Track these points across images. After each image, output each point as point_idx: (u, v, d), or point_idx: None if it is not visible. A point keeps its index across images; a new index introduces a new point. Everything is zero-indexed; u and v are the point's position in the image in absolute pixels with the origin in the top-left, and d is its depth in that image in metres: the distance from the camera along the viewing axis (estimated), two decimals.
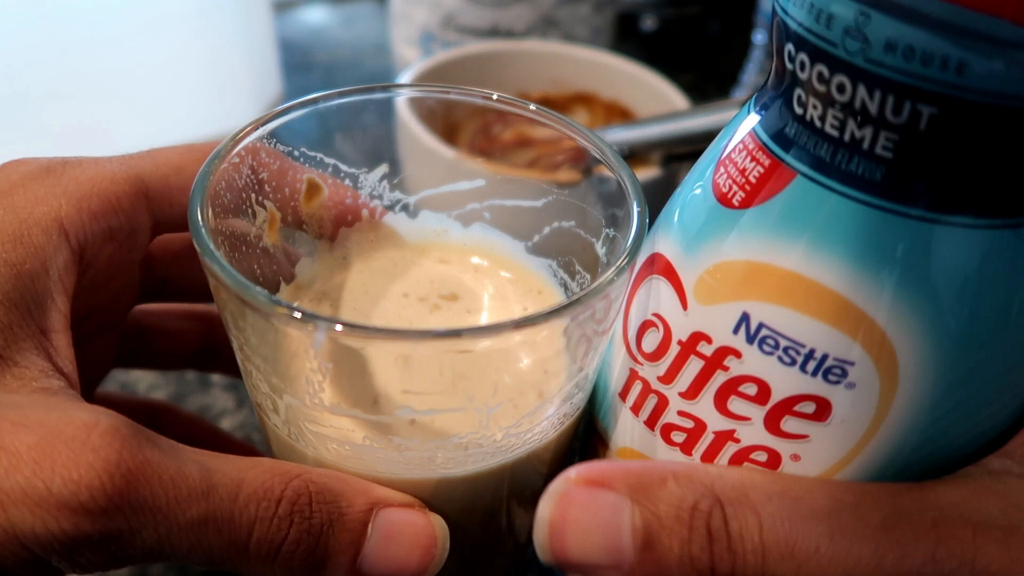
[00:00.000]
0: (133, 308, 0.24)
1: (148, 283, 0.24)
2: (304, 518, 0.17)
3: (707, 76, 0.71)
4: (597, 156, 0.21)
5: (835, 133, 0.14)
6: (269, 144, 0.21)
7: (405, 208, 0.25)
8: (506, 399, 0.19)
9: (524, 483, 0.21)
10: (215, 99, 0.45)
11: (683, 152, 0.34)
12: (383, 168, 0.24)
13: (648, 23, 0.78)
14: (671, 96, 0.42)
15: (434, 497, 0.19)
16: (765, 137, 0.16)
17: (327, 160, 0.23)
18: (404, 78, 0.40)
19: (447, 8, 0.49)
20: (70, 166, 0.19)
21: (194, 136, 0.44)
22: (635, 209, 0.19)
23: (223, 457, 0.17)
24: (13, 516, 0.14)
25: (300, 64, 0.66)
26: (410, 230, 0.25)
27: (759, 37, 0.52)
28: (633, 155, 0.34)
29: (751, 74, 0.53)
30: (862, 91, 0.13)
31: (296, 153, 0.22)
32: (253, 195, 0.21)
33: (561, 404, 0.19)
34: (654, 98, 0.43)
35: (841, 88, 0.14)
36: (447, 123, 0.35)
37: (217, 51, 0.43)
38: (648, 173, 0.35)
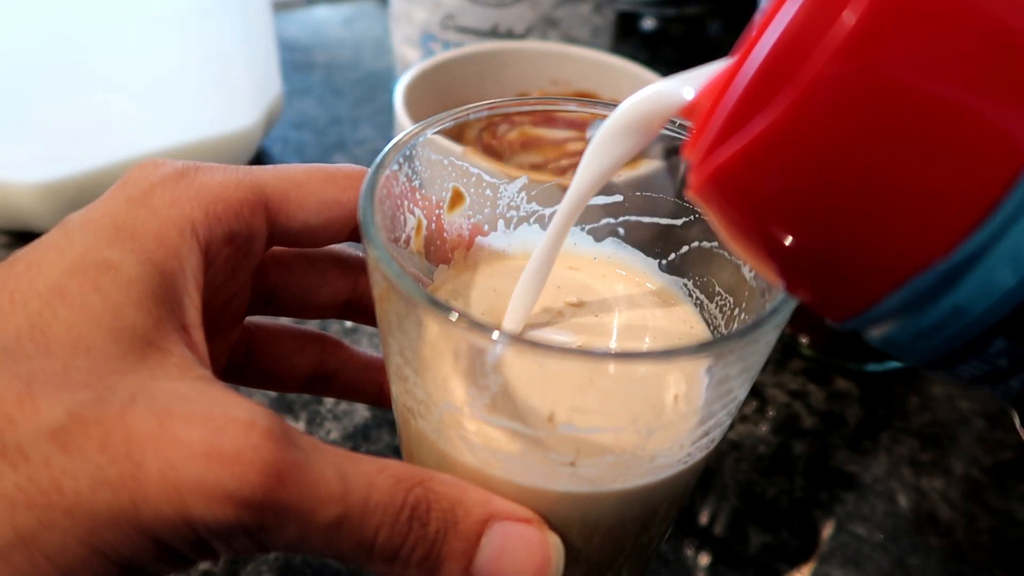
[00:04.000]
0: (244, 320, 0.25)
1: (257, 292, 0.24)
2: (422, 524, 0.18)
3: None
4: None
5: None
6: (423, 152, 0.22)
7: (540, 220, 0.26)
8: (667, 422, 0.19)
9: (663, 502, 0.21)
10: (215, 99, 0.45)
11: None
12: (522, 179, 0.25)
13: (648, 23, 0.78)
14: None
15: (571, 510, 0.19)
16: None
17: (472, 170, 0.24)
18: (404, 78, 0.40)
19: (447, 8, 0.49)
20: (201, 171, 0.21)
21: (194, 136, 0.44)
22: None
23: (355, 458, 0.18)
24: (189, 503, 0.16)
25: (300, 64, 0.66)
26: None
27: None
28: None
29: None
30: None
31: (445, 162, 0.23)
32: (406, 202, 0.22)
33: (712, 428, 0.20)
34: None
35: None
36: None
37: (217, 51, 0.43)
38: (651, 165, 0.35)
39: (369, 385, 0.28)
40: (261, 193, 0.21)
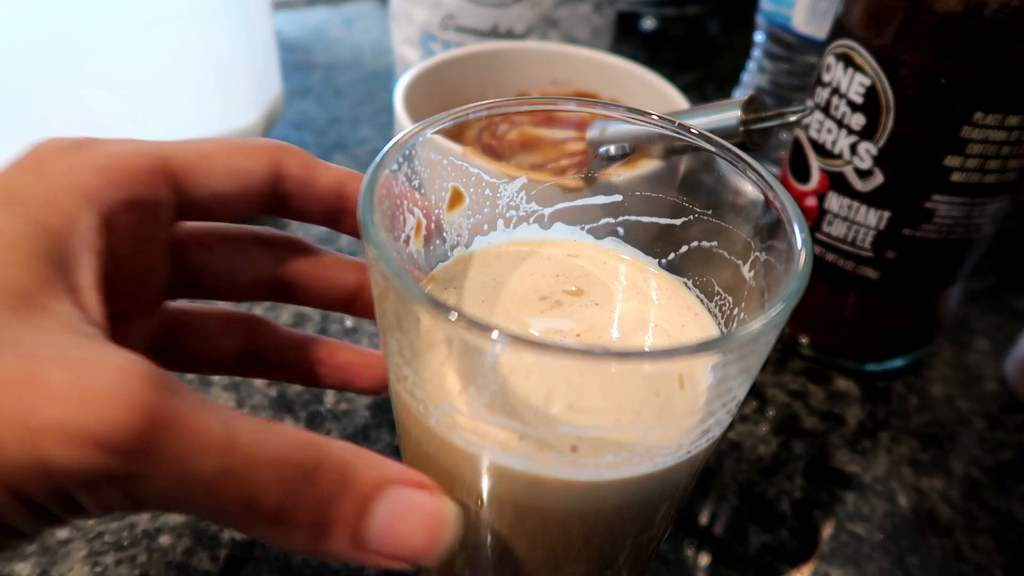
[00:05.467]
0: (167, 304, 0.24)
1: (180, 274, 0.24)
2: (313, 485, 0.17)
3: (707, 76, 0.71)
4: (756, 182, 0.21)
5: None
6: (422, 152, 0.22)
7: (539, 220, 0.26)
8: (667, 420, 0.19)
9: (663, 497, 0.21)
10: (215, 99, 0.45)
11: (682, 146, 0.34)
12: (522, 179, 0.25)
13: (648, 23, 0.78)
14: (671, 96, 0.42)
15: (570, 503, 0.19)
16: None
17: (471, 170, 0.24)
18: (404, 78, 0.40)
19: (447, 8, 0.49)
20: (99, 142, 0.21)
21: (194, 136, 0.44)
22: (799, 235, 0.19)
23: (245, 417, 0.17)
24: (44, 447, 0.15)
25: (300, 64, 0.66)
26: (543, 242, 0.26)
27: (759, 37, 0.52)
28: (634, 150, 0.35)
29: (751, 74, 0.53)
30: None
31: (445, 162, 0.23)
32: (406, 202, 0.22)
33: (712, 427, 0.20)
34: (654, 98, 0.43)
35: None
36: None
37: (217, 51, 0.43)
38: (650, 165, 0.35)
39: (299, 364, 0.28)
40: (164, 161, 0.21)
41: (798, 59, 0.49)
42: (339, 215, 0.25)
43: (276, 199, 0.24)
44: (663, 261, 0.25)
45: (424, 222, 0.23)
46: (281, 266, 0.26)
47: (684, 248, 0.25)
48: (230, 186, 0.22)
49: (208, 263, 0.25)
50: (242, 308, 0.38)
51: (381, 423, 0.35)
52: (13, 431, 0.15)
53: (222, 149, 0.22)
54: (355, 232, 0.25)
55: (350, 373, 0.28)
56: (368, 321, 0.41)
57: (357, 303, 0.27)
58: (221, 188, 0.22)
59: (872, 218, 0.36)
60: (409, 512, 0.18)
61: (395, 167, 0.21)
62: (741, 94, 0.54)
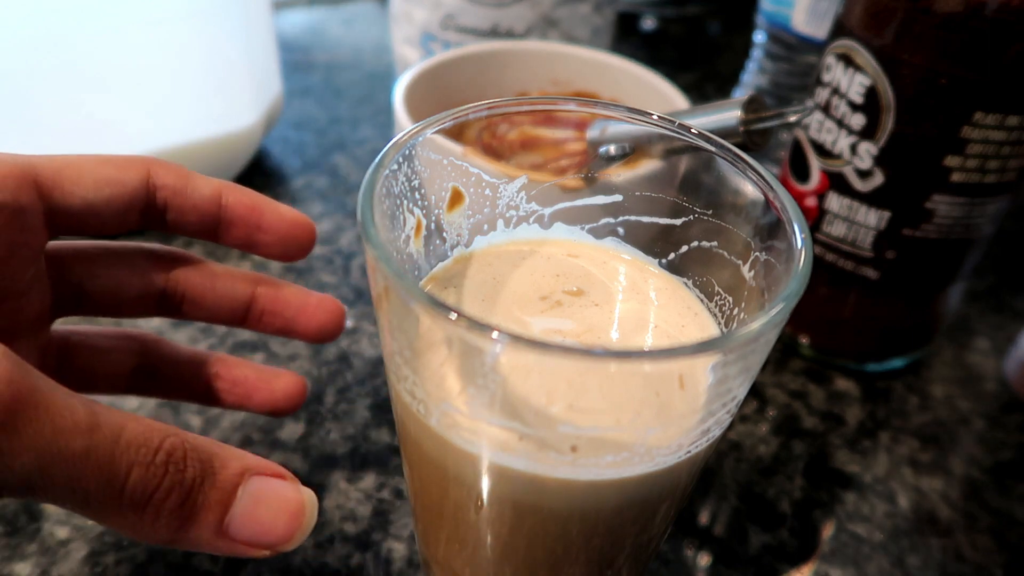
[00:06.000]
0: (56, 325, 0.24)
1: (65, 291, 0.24)
2: (179, 470, 0.17)
3: (707, 76, 0.71)
4: (756, 182, 0.21)
5: None
6: (422, 152, 0.22)
7: (539, 220, 0.26)
8: (667, 420, 0.19)
9: (663, 497, 0.21)
10: (215, 99, 0.45)
11: (682, 146, 0.34)
12: (522, 179, 0.25)
13: (648, 23, 0.78)
14: (671, 96, 0.42)
15: (571, 502, 0.19)
16: None
17: (471, 170, 0.24)
18: (404, 78, 0.40)
19: (447, 8, 0.49)
20: None
21: (194, 136, 0.44)
22: (799, 235, 0.19)
23: (106, 406, 0.17)
24: None
25: (300, 64, 0.66)
26: (543, 242, 0.26)
27: (759, 37, 0.52)
28: (635, 150, 0.35)
29: (751, 74, 0.53)
30: None
31: (445, 162, 0.23)
32: (405, 202, 0.22)
33: (712, 427, 0.20)
34: (654, 98, 0.43)
35: None
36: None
37: (217, 51, 0.43)
38: (650, 165, 0.35)
39: (196, 381, 0.28)
40: (29, 168, 0.21)
41: (798, 59, 0.49)
42: (219, 226, 0.25)
43: (152, 211, 0.24)
44: (663, 261, 0.25)
45: (424, 222, 0.23)
46: (170, 279, 0.26)
47: (684, 248, 0.25)
48: (101, 195, 0.22)
49: (92, 277, 0.25)
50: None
51: (381, 423, 0.35)
52: None
53: (91, 160, 0.22)
54: (239, 244, 0.25)
55: (247, 388, 0.28)
56: (369, 321, 0.41)
57: (251, 315, 0.27)
58: (91, 196, 0.22)
59: (872, 218, 0.36)
60: (271, 499, 0.18)
61: (395, 167, 0.21)
62: (741, 94, 0.54)
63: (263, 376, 0.28)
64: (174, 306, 0.26)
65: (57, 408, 0.16)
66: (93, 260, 0.25)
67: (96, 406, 0.17)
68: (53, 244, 0.23)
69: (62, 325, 0.26)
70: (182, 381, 0.28)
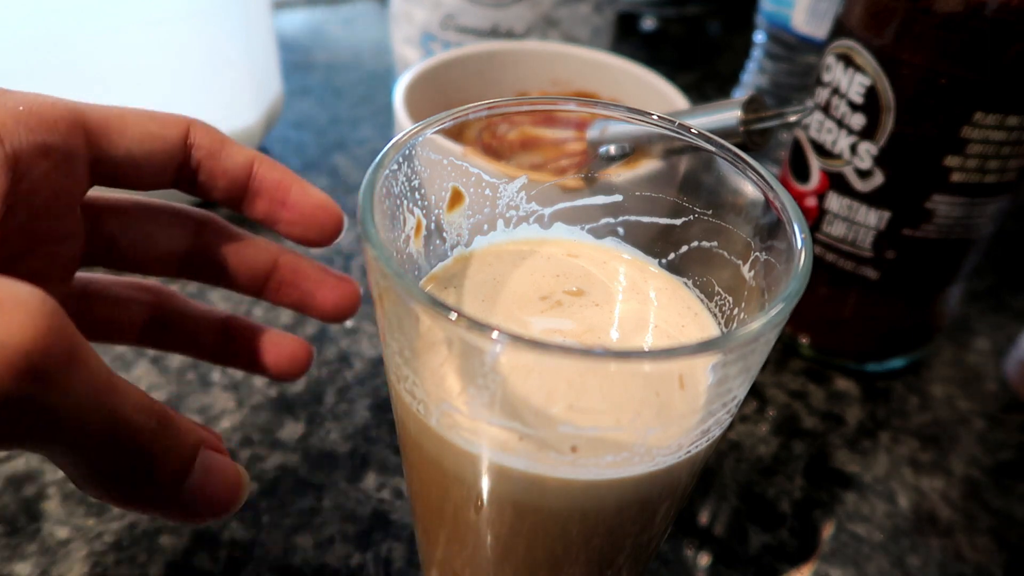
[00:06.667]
0: (78, 273, 0.24)
1: (94, 242, 0.24)
2: (162, 437, 0.18)
3: (707, 76, 0.71)
4: (756, 182, 0.21)
5: None
6: (422, 152, 0.22)
7: (539, 220, 0.26)
8: (667, 420, 0.19)
9: (663, 497, 0.21)
10: (215, 99, 0.45)
11: (682, 146, 0.34)
12: (522, 179, 0.25)
13: (648, 23, 0.78)
14: (671, 96, 0.42)
15: (571, 502, 0.19)
16: None
17: (471, 170, 0.24)
18: (404, 78, 0.40)
19: (447, 8, 0.49)
20: (12, 92, 0.21)
21: None
22: (799, 235, 0.19)
23: (108, 367, 0.18)
24: None
25: (300, 64, 0.66)
26: (543, 241, 0.26)
27: (759, 37, 0.52)
28: (634, 151, 0.35)
29: (751, 74, 0.53)
30: None
31: (445, 162, 0.23)
32: (405, 202, 0.22)
33: (712, 427, 0.20)
34: (654, 98, 0.43)
35: None
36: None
37: (217, 51, 0.43)
38: (650, 165, 0.36)
39: (206, 337, 0.28)
40: (79, 115, 0.21)
41: (798, 59, 0.49)
42: (246, 196, 0.25)
43: (185, 171, 0.24)
44: (663, 261, 0.25)
45: (424, 222, 0.23)
46: (195, 240, 0.26)
47: (684, 248, 0.25)
48: (144, 148, 0.22)
49: (123, 231, 0.25)
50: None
51: (381, 423, 0.35)
52: None
53: (136, 113, 0.22)
54: (262, 218, 0.25)
55: (254, 348, 0.28)
56: (369, 321, 0.41)
57: (269, 286, 0.27)
58: (135, 149, 0.22)
59: (872, 218, 0.36)
60: (217, 472, 0.20)
61: (395, 167, 0.21)
62: (741, 94, 0.54)
63: (271, 339, 0.28)
64: (196, 268, 0.26)
65: (91, 365, 0.16)
66: (126, 214, 0.25)
67: (105, 364, 0.18)
68: (90, 194, 0.23)
69: (81, 272, 0.26)
70: (192, 336, 0.28)
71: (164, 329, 0.27)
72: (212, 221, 0.26)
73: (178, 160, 0.23)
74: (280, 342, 0.28)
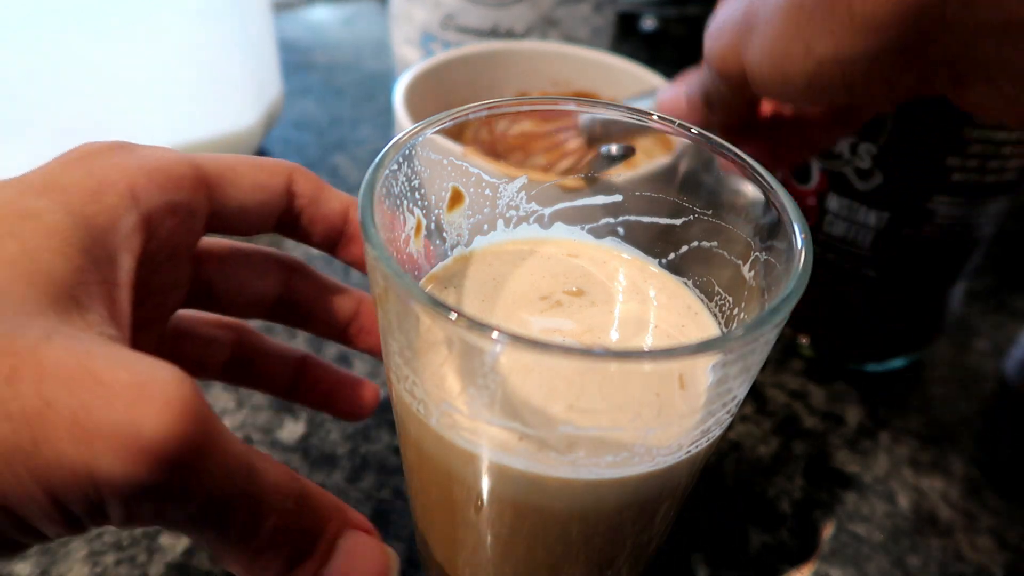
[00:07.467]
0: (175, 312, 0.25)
1: (195, 287, 0.25)
2: (302, 518, 0.18)
3: None
4: (757, 178, 0.21)
5: None
6: (422, 152, 0.22)
7: (539, 220, 0.26)
8: (667, 421, 0.19)
9: (663, 497, 0.21)
10: (215, 99, 0.45)
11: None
12: (522, 179, 0.25)
13: (648, 23, 0.78)
14: None
15: (571, 502, 0.20)
16: None
17: (471, 170, 0.24)
18: (404, 78, 0.40)
19: (447, 8, 0.49)
20: (140, 146, 0.21)
21: (194, 136, 0.44)
22: (799, 235, 0.19)
23: (247, 445, 0.17)
24: (98, 451, 0.14)
25: (300, 64, 0.66)
26: (543, 241, 0.26)
27: None
28: (635, 151, 0.34)
29: None
30: None
31: (444, 161, 0.23)
32: (405, 202, 0.22)
33: (712, 427, 0.20)
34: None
35: None
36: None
37: (217, 51, 0.43)
38: (651, 165, 0.35)
39: (281, 376, 0.28)
40: (200, 170, 0.21)
41: None
42: (341, 240, 0.25)
43: (287, 217, 0.24)
44: (663, 261, 0.25)
45: (424, 222, 0.23)
46: (286, 286, 0.26)
47: (684, 248, 0.25)
48: (254, 199, 0.23)
49: (221, 276, 0.25)
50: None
51: (381, 423, 0.35)
52: (66, 428, 0.14)
53: (246, 164, 0.23)
54: (354, 261, 0.26)
55: (327, 390, 0.28)
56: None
57: (350, 331, 0.27)
58: (247, 200, 0.23)
59: (872, 218, 0.36)
60: (364, 554, 0.19)
61: (395, 167, 0.21)
62: None
63: (343, 380, 0.29)
64: (283, 312, 0.27)
65: (227, 448, 0.16)
66: (224, 259, 0.25)
67: (244, 443, 0.17)
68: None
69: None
70: (268, 375, 0.28)
71: (244, 367, 0.28)
72: (301, 267, 0.27)
73: (282, 207, 0.24)
74: (352, 386, 0.29)
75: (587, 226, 0.26)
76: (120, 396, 0.14)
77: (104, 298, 0.18)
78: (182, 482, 0.15)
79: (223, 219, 0.23)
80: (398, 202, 0.22)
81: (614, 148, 0.28)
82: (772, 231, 0.21)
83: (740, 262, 0.23)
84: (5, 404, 0.14)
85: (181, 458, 0.15)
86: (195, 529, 0.16)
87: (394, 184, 0.21)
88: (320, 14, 0.75)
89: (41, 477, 0.14)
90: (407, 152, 0.21)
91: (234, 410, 0.35)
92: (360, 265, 0.26)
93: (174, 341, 0.26)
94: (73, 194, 0.18)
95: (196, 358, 0.26)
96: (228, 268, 0.25)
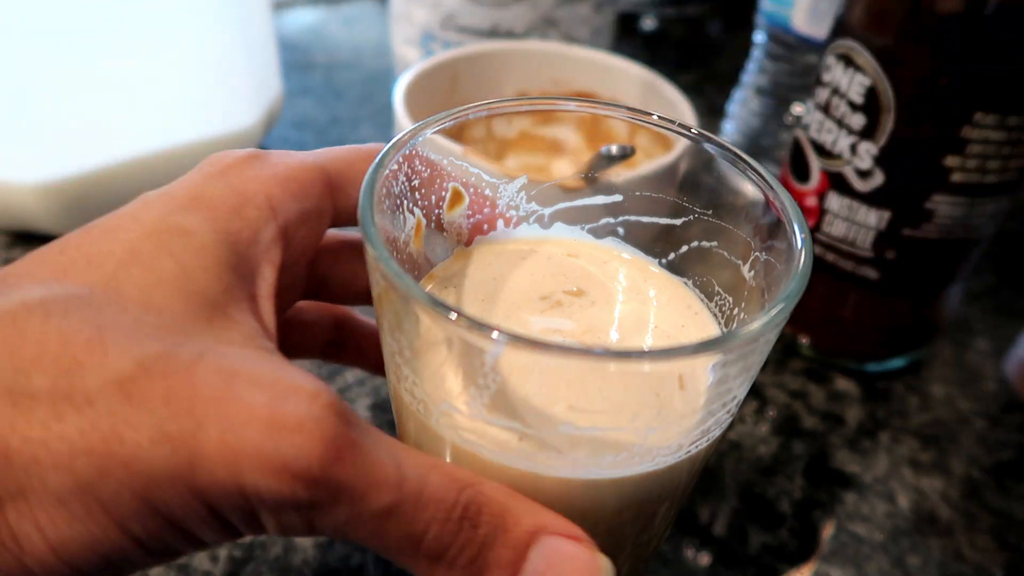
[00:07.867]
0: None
1: (311, 280, 0.25)
2: (473, 527, 0.17)
3: (707, 76, 0.71)
4: (756, 182, 0.21)
5: None
6: (422, 152, 0.22)
7: (539, 220, 0.26)
8: (667, 421, 0.19)
9: (663, 497, 0.21)
10: (215, 99, 0.45)
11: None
12: (522, 179, 0.25)
13: (648, 23, 0.78)
14: (671, 96, 0.42)
15: (570, 502, 0.19)
16: None
17: (472, 170, 0.24)
18: (404, 78, 0.40)
19: (447, 8, 0.49)
20: (273, 154, 0.21)
21: (194, 136, 0.44)
22: (799, 235, 0.19)
23: (408, 449, 0.17)
24: (245, 469, 0.15)
25: (300, 64, 0.66)
26: (543, 241, 0.26)
27: (759, 37, 0.52)
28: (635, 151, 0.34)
29: (751, 74, 0.53)
30: None
31: (445, 162, 0.23)
32: (406, 202, 0.22)
33: (712, 427, 0.20)
34: (654, 98, 0.43)
35: None
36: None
37: (217, 51, 0.43)
38: (651, 165, 0.35)
39: (375, 353, 0.28)
40: (325, 172, 0.22)
41: (798, 59, 0.49)
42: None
43: None
44: (663, 261, 0.25)
45: (424, 222, 0.23)
46: None
47: (684, 248, 0.25)
48: None
49: (334, 270, 0.25)
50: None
51: (381, 423, 0.35)
52: (215, 448, 0.15)
53: (360, 158, 0.23)
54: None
55: None
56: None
57: None
58: None
59: (872, 218, 0.36)
60: (564, 563, 0.17)
61: (395, 167, 0.21)
62: (741, 94, 0.54)
63: None
64: None
65: (371, 463, 0.16)
66: (337, 253, 0.25)
67: (399, 451, 0.17)
68: None
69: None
70: (363, 353, 0.29)
71: (340, 348, 0.28)
72: None
73: None
74: None
75: (587, 226, 0.26)
76: (259, 418, 0.15)
77: (252, 311, 0.18)
78: (323, 495, 0.16)
79: (343, 217, 0.23)
80: (398, 202, 0.22)
81: (614, 148, 0.28)
82: (772, 231, 0.21)
83: (740, 262, 0.23)
84: (164, 426, 0.15)
85: (320, 477, 0.15)
86: (350, 536, 0.17)
87: (394, 184, 0.21)
88: (320, 14, 0.75)
89: (200, 494, 0.15)
90: (407, 152, 0.21)
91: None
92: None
93: (283, 329, 0.26)
94: (217, 209, 0.19)
95: (298, 342, 0.27)
96: (341, 261, 0.25)
